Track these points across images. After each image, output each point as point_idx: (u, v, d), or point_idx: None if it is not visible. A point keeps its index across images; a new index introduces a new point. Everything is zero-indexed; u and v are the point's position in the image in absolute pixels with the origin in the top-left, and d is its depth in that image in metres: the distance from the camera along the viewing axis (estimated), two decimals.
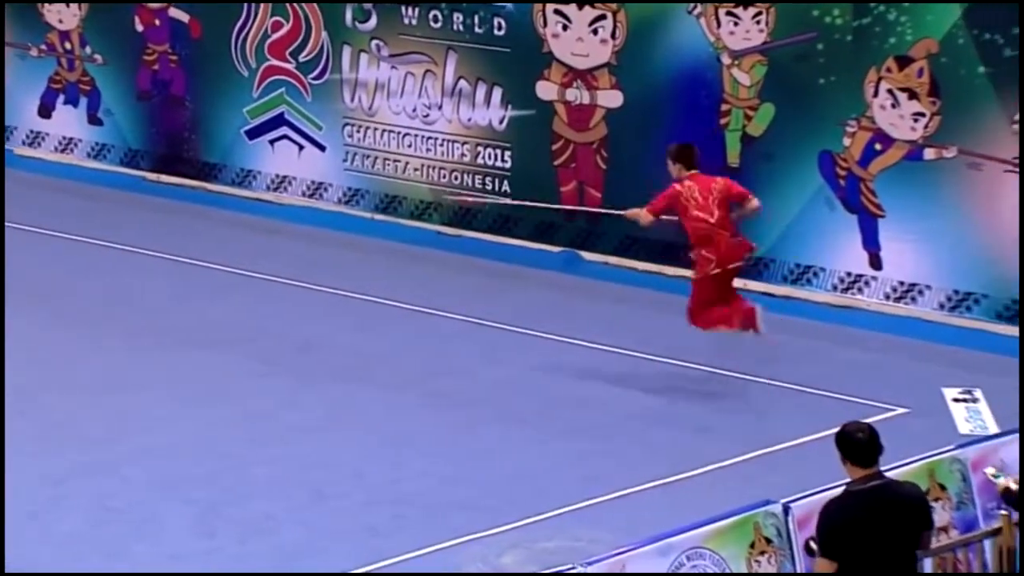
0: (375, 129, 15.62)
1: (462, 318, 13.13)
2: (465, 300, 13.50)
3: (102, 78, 17.17)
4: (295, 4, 15.78)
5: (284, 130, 16.11)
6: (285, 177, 16.22)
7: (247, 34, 16.15)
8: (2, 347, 11.54)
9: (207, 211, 16.06)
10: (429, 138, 15.32)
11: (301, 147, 16.08)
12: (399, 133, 15.49)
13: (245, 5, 16.04)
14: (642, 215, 11.66)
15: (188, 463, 10.40)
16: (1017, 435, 8.02)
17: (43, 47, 17.43)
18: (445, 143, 15.17)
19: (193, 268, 14.33)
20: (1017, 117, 12.35)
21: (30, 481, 10.00)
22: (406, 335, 12.77)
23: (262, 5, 15.97)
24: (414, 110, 15.36)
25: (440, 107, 15.22)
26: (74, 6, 17.13)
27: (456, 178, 15.21)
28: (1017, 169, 12.40)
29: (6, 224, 14.89)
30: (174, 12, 16.57)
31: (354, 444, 10.78)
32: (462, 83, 15.06)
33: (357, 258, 14.71)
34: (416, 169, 15.43)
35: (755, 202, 11.69)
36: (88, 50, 17.18)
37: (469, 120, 15.10)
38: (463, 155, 15.19)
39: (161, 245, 14.80)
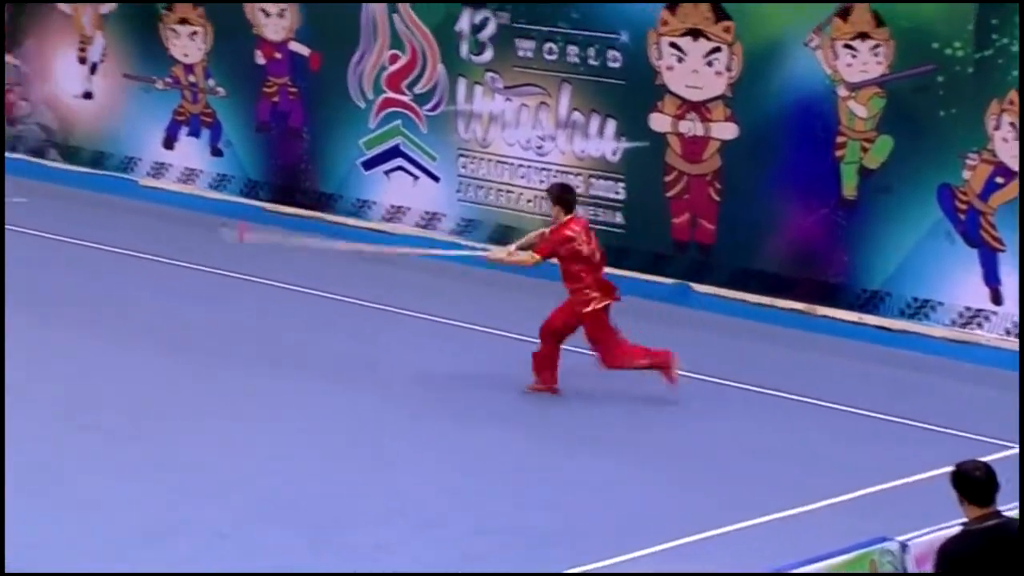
0: (489, 160, 15.15)
1: (570, 349, 12.56)
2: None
3: (223, 110, 16.87)
4: (412, 37, 15.38)
5: (399, 161, 15.67)
6: (400, 207, 15.78)
7: (365, 67, 15.77)
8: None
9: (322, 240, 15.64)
10: (542, 169, 14.81)
11: (416, 177, 15.64)
12: (513, 164, 15.00)
13: (363, 39, 15.67)
14: (526, 258, 11.44)
15: (296, 491, 9.91)
16: None
17: (168, 80, 17.17)
18: (558, 175, 14.65)
19: (309, 297, 13.90)
20: None
21: (144, 506, 9.55)
22: (512, 365, 12.22)
23: (379, 39, 15.59)
24: (528, 141, 14.87)
25: (553, 139, 14.71)
26: (199, 39, 16.86)
27: None
28: None
29: (131, 254, 14.63)
30: (294, 46, 16.23)
31: (463, 474, 10.25)
32: (576, 115, 14.55)
33: (468, 288, 14.22)
34: (529, 200, 14.92)
35: None
36: (211, 83, 16.90)
37: (582, 152, 14.57)
38: (576, 187, 14.61)
39: (278, 275, 14.38)
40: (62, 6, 17.64)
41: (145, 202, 16.87)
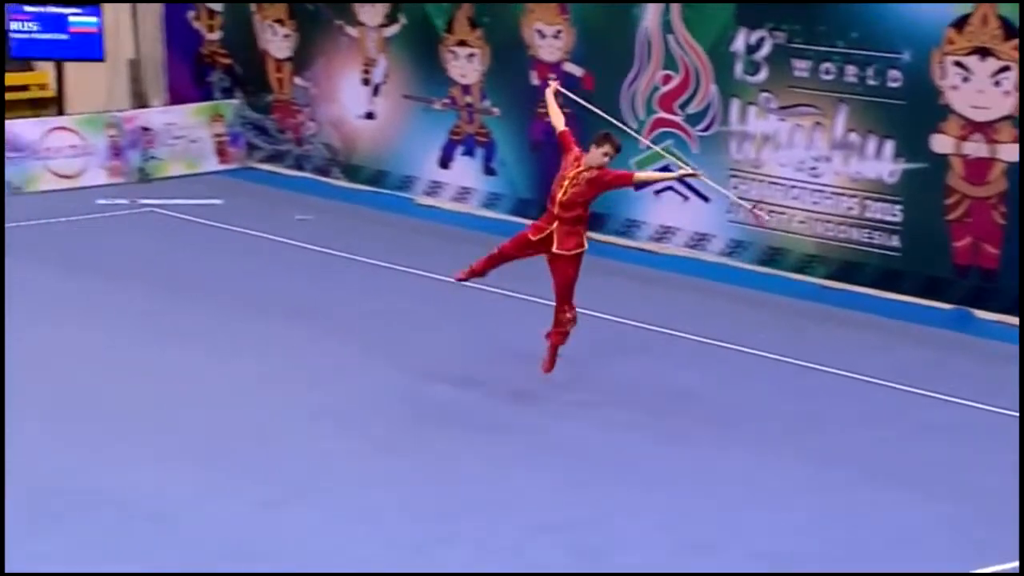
0: (761, 181, 14.28)
1: (839, 372, 11.63)
2: (844, 355, 11.97)
3: (498, 130, 16.39)
4: (685, 57, 14.62)
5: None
6: (669, 227, 15.03)
7: (637, 87, 15.08)
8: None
9: (590, 260, 14.94)
10: (816, 191, 13.87)
11: (686, 198, 14.87)
12: (785, 185, 14.09)
13: (637, 59, 14.99)
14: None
15: (561, 508, 9.25)
16: None
17: (446, 101, 16.80)
18: (832, 196, 13.70)
19: (583, 317, 13.20)
20: None
21: (415, 518, 9.04)
22: (777, 388, 11.36)
23: (653, 59, 14.88)
24: (801, 162, 13.95)
25: (828, 159, 13.76)
26: (476, 61, 16.44)
27: (843, 231, 13.71)
28: None
29: (399, 269, 14.26)
30: (568, 67, 15.65)
31: (725, 497, 9.42)
32: (852, 135, 13.58)
33: (737, 309, 13.36)
34: (801, 222, 13.99)
35: None
36: (486, 103, 16.45)
37: (857, 173, 13.59)
38: (850, 208, 13.67)
39: (542, 291, 13.75)
40: (349, 29, 17.46)
41: (421, 220, 16.49)
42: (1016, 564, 8.36)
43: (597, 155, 10.86)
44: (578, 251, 10.93)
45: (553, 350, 11.08)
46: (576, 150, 11.02)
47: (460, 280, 11.38)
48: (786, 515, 9.14)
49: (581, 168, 10.87)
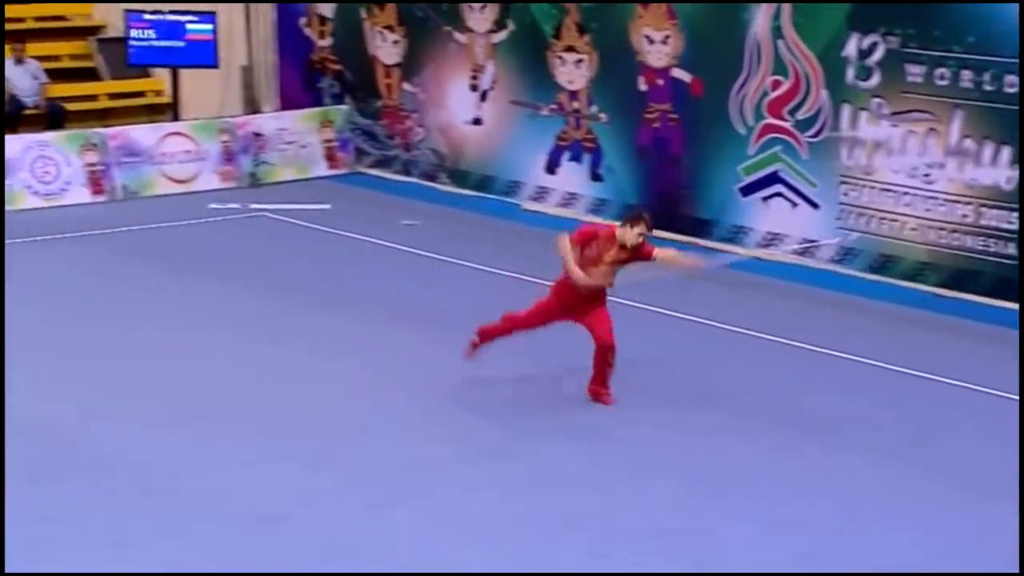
0: (872, 188, 13.93)
1: (952, 382, 11.27)
2: (956, 364, 11.60)
3: (605, 136, 16.17)
4: (795, 63, 14.32)
5: (778, 187, 14.61)
6: (777, 234, 14.72)
7: (747, 93, 14.79)
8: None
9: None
10: (929, 197, 13.50)
11: (794, 204, 14.55)
12: (897, 192, 13.74)
13: (746, 65, 14.71)
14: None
15: (666, 516, 9.03)
16: None
17: (553, 107, 16.62)
18: (945, 203, 13.32)
19: (679, 321, 12.98)
20: None
21: (518, 522, 8.87)
22: (887, 397, 11.02)
23: (763, 64, 14.59)
24: (914, 169, 13.59)
25: (942, 166, 13.39)
26: (583, 67, 16.24)
27: (956, 239, 13.32)
28: None
29: (503, 274, 14.11)
30: (677, 72, 15.40)
31: (839, 507, 9.13)
32: (967, 142, 13.19)
33: (846, 317, 13.03)
34: (913, 229, 13.62)
35: None
36: (594, 109, 16.24)
37: (973, 180, 13.20)
38: (964, 216, 13.29)
39: (647, 298, 13.50)
40: (457, 35, 17.35)
41: (527, 225, 16.30)
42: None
43: (633, 235, 10.56)
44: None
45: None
46: (603, 231, 10.71)
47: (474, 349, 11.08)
48: (898, 527, 8.83)
49: (620, 250, 10.59)
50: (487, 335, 11.07)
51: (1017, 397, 10.84)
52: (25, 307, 12.64)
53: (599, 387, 10.75)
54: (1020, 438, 9.98)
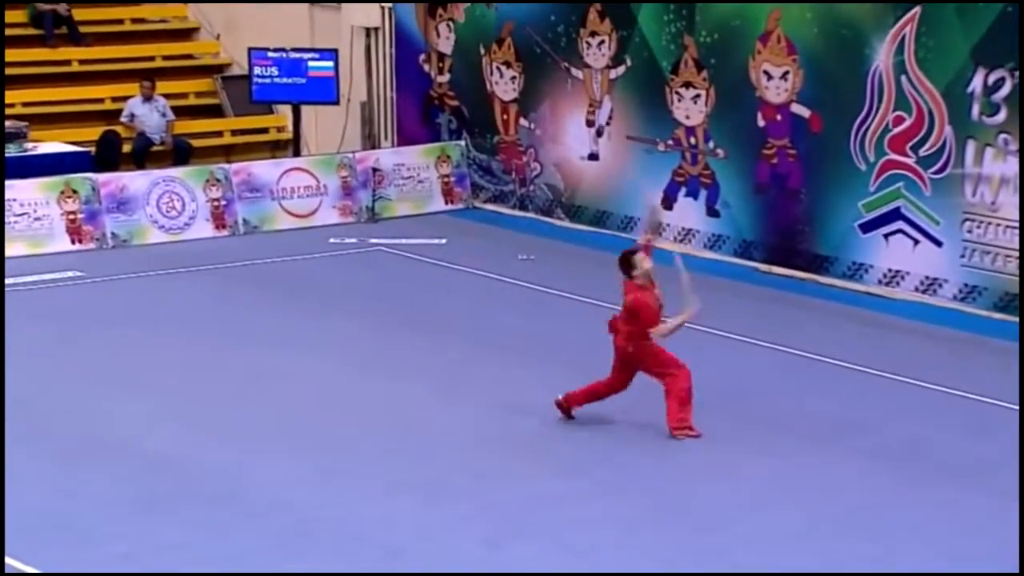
0: (997, 225, 13.39)
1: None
2: None
3: (722, 172, 15.77)
4: (919, 98, 13.84)
5: (900, 224, 14.11)
6: (898, 271, 14.20)
7: (867, 128, 14.32)
8: None
9: (816, 303, 14.26)
10: None
11: (916, 242, 14.03)
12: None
13: (867, 100, 14.25)
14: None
15: (789, 554, 8.66)
16: None
17: (670, 142, 16.26)
18: None
19: (796, 359, 12.51)
20: None
21: (631, 558, 8.57)
22: (1015, 438, 10.52)
23: (885, 100, 14.12)
24: None
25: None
26: (700, 102, 15.87)
27: None
28: None
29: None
30: (796, 108, 14.97)
31: (961, 550, 8.69)
32: None
33: (971, 355, 12.50)
34: None
35: None
36: (711, 144, 15.85)
37: None
38: None
39: (768, 335, 13.08)
40: (574, 71, 17.07)
41: None
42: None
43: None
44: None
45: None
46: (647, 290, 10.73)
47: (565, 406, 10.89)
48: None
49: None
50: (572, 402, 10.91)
51: None
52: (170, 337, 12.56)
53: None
54: None
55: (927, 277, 13.97)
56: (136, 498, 9.29)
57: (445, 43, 18.35)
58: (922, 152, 13.91)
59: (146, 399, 11.14)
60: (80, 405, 10.89)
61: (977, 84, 13.43)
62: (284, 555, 8.58)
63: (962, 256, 13.67)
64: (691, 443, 10.45)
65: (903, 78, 13.96)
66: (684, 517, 9.23)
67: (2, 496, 8.75)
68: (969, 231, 13.58)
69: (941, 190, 13.78)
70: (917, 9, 13.79)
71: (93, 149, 17.98)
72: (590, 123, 17.04)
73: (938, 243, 13.86)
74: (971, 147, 13.55)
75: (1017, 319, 12.92)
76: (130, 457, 9.97)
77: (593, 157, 17.06)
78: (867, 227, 14.41)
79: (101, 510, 9.13)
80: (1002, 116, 13.30)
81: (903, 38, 13.92)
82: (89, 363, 12.00)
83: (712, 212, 15.89)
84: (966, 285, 13.65)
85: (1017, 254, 13.20)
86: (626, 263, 10.72)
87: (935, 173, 13.83)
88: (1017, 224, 13.20)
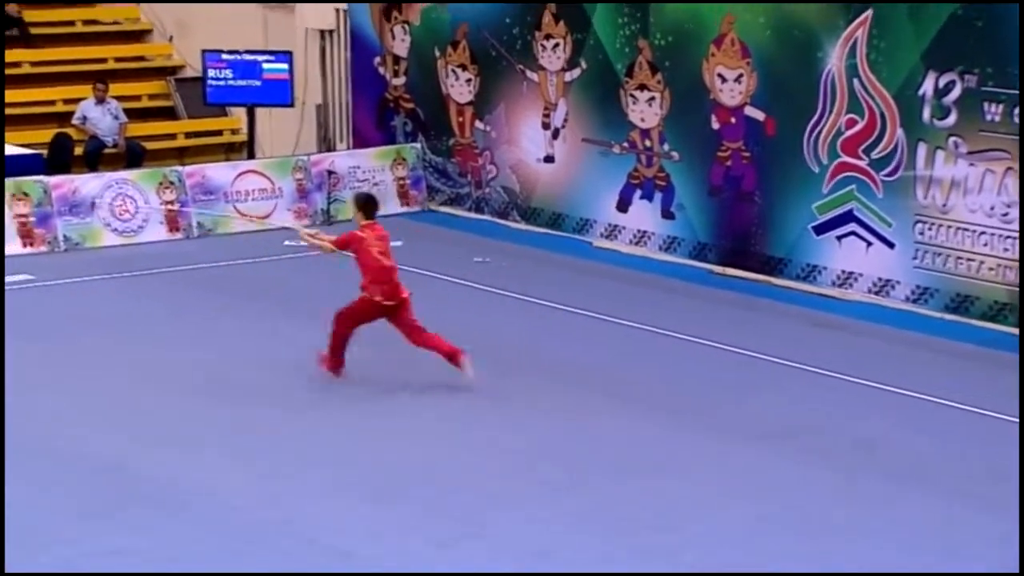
0: (948, 227, 13.56)
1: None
2: None
3: (677, 174, 15.90)
4: (871, 101, 14.00)
5: (852, 226, 14.27)
6: (851, 273, 14.36)
7: (820, 131, 14.48)
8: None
9: (770, 305, 14.39)
10: (1007, 237, 13.11)
11: (869, 243, 14.19)
12: (974, 231, 13.36)
13: (820, 103, 14.40)
14: (326, 246, 12.10)
15: (737, 554, 8.78)
16: None
17: (625, 145, 16.38)
18: None
19: (751, 360, 12.65)
20: None
21: (588, 560, 8.64)
22: (969, 439, 10.66)
23: (838, 103, 14.27)
24: (992, 208, 13.21)
25: (1020, 205, 13.00)
26: (655, 104, 15.99)
27: None
28: None
29: (578, 312, 13.84)
30: (750, 111, 15.12)
31: (918, 551, 8.82)
32: None
33: (923, 357, 12.65)
34: (991, 268, 13.23)
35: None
36: (666, 147, 15.98)
37: None
38: None
39: (723, 337, 13.21)
40: (530, 74, 17.16)
41: (598, 263, 16.04)
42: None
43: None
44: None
45: None
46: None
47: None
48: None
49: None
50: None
51: None
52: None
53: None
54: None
55: (879, 279, 14.13)
56: (80, 503, 9.29)
57: (400, 45, 18.41)
58: (874, 155, 14.08)
59: (91, 403, 11.14)
60: (22, 410, 10.86)
61: (928, 87, 13.60)
62: (232, 558, 8.59)
63: (914, 258, 13.83)
64: (636, 442, 10.56)
65: (855, 81, 14.12)
66: (635, 516, 9.32)
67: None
68: (921, 233, 13.75)
69: (893, 192, 13.95)
70: (869, 12, 13.96)
71: (45, 152, 17.96)
72: (546, 126, 17.14)
73: (890, 245, 14.02)
74: (923, 150, 13.71)
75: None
76: (73, 461, 9.98)
77: (549, 160, 17.15)
78: (820, 229, 14.56)
79: (44, 515, 9.12)
80: (952, 119, 13.46)
81: (855, 41, 14.08)
82: (35, 368, 12.00)
83: (667, 214, 16.00)
84: (918, 287, 13.82)
85: (972, 255, 13.37)
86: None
87: (887, 176, 14.00)
88: (970, 225, 13.39)
